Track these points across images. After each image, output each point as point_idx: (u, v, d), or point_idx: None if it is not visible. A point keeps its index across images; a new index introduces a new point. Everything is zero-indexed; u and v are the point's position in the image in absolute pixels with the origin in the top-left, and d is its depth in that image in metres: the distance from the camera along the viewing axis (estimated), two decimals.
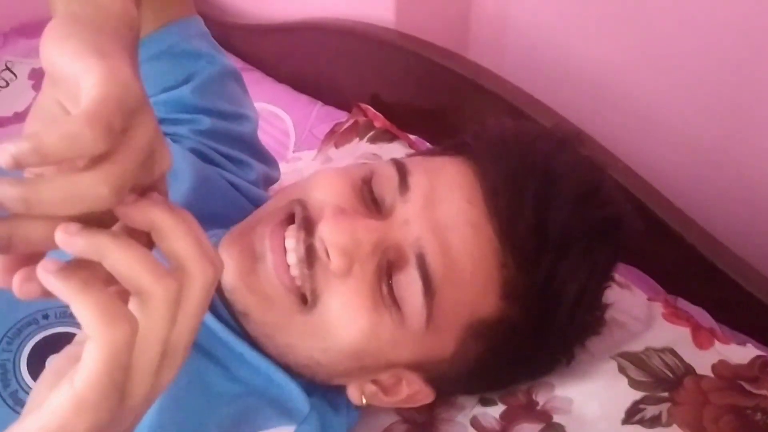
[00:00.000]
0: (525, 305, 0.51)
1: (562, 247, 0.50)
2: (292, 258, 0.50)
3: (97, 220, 0.32)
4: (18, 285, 0.32)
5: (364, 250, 0.49)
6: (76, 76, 0.31)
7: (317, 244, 0.49)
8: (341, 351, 0.51)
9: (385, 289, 0.49)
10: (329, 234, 0.48)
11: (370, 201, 0.52)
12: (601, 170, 0.55)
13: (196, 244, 0.33)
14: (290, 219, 0.52)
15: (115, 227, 0.33)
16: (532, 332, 0.52)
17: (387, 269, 0.49)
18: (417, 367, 0.53)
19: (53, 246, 0.31)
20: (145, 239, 0.33)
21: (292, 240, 0.50)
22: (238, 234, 0.54)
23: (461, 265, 0.49)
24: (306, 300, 0.50)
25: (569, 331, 0.54)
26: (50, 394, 0.32)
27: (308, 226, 0.50)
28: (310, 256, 0.49)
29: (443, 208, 0.50)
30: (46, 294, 0.31)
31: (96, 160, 0.29)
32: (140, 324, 0.32)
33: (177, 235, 0.33)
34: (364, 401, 0.55)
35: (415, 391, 0.55)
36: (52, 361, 0.35)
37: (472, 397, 0.61)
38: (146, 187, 0.34)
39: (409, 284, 0.49)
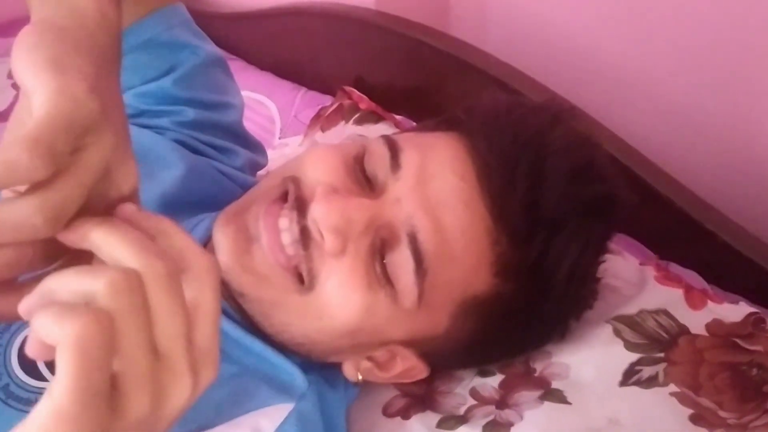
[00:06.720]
0: (517, 282, 0.51)
1: (554, 225, 0.50)
2: (286, 238, 0.50)
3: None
4: None
5: (357, 228, 0.49)
6: (31, 92, 0.30)
7: (310, 225, 0.49)
8: (336, 330, 0.51)
9: (378, 267, 0.49)
10: (321, 215, 0.48)
11: (362, 179, 0.52)
12: (594, 146, 0.54)
13: (130, 244, 0.30)
14: (285, 197, 0.52)
15: None
16: (525, 307, 0.52)
17: (380, 248, 0.49)
18: (410, 343, 0.54)
19: (15, 272, 0.31)
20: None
21: (285, 219, 0.50)
22: (233, 213, 0.53)
23: (453, 243, 0.49)
24: (303, 280, 0.50)
25: (562, 305, 0.54)
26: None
27: (300, 206, 0.50)
28: (304, 237, 0.49)
29: (435, 185, 0.50)
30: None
31: (36, 186, 0.28)
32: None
33: (111, 245, 0.30)
34: (359, 377, 0.56)
35: (409, 366, 0.56)
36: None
37: (471, 369, 0.61)
38: (115, 204, 0.32)
39: (402, 263, 0.49)
